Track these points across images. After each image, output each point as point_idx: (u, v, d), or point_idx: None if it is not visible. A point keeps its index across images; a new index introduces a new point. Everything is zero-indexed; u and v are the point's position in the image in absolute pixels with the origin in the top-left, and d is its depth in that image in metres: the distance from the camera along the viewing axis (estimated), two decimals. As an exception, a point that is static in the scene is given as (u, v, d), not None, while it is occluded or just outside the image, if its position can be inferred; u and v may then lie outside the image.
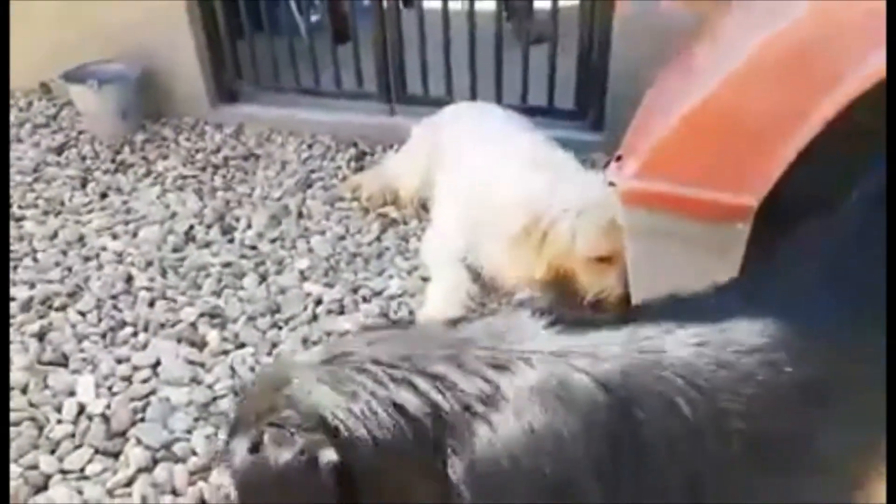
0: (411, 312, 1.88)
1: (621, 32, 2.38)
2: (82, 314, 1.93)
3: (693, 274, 1.36)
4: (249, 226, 2.37)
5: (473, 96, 2.72)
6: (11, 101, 3.33)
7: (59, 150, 2.99)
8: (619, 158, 1.42)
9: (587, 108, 2.65)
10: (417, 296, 1.94)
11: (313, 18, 3.35)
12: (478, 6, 2.68)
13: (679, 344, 0.90)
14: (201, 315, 1.91)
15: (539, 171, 1.78)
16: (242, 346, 1.81)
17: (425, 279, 2.01)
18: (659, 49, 2.23)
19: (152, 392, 1.64)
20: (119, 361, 1.74)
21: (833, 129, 1.14)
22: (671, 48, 2.12)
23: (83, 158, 2.92)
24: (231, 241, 2.29)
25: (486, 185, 1.80)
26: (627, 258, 1.48)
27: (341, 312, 1.92)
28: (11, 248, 2.27)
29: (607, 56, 2.44)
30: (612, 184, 1.35)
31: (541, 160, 1.78)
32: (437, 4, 2.75)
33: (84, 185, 2.70)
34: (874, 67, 1.09)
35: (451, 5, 2.79)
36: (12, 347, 1.80)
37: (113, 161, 2.90)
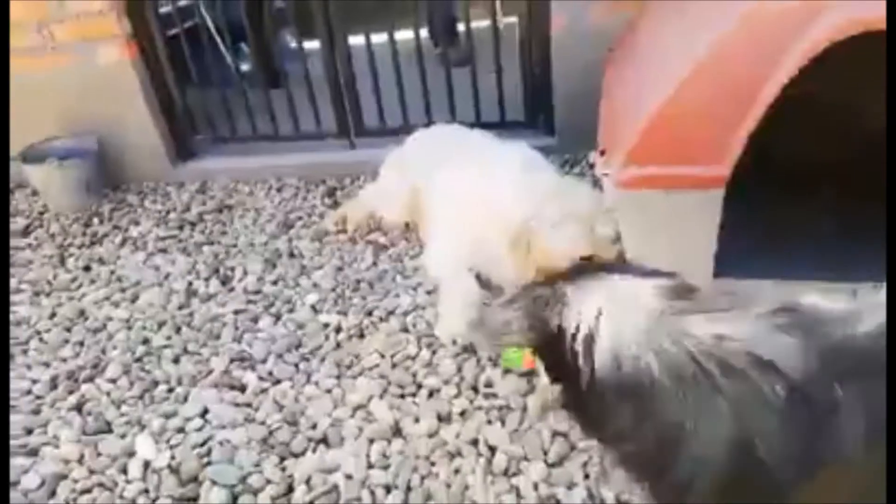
0: (428, 324, 2.03)
1: (559, 43, 2.63)
2: (112, 381, 1.98)
3: (681, 240, 1.61)
4: (246, 273, 2.46)
5: (429, 121, 2.91)
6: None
7: (26, 232, 2.99)
8: (602, 152, 1.65)
9: (536, 117, 2.89)
10: (429, 308, 2.10)
11: (244, 68, 3.49)
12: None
13: None
14: (231, 361, 2.00)
15: (524, 181, 1.96)
16: (279, 381, 1.91)
17: (430, 293, 2.17)
18: (595, 53, 2.51)
19: (210, 438, 1.72)
20: (167, 417, 1.81)
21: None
22: (604, 51, 2.40)
23: (53, 236, 2.93)
24: (232, 290, 2.38)
25: (480, 195, 1.97)
26: (623, 239, 1.70)
27: (361, 336, 2.05)
28: (12, 334, 2.28)
29: (549, 67, 2.69)
30: (605, 174, 1.56)
31: (526, 168, 1.97)
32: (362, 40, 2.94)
33: (63, 262, 2.71)
34: (800, 52, 1.36)
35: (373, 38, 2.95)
36: (54, 425, 1.84)
37: (84, 234, 2.92)
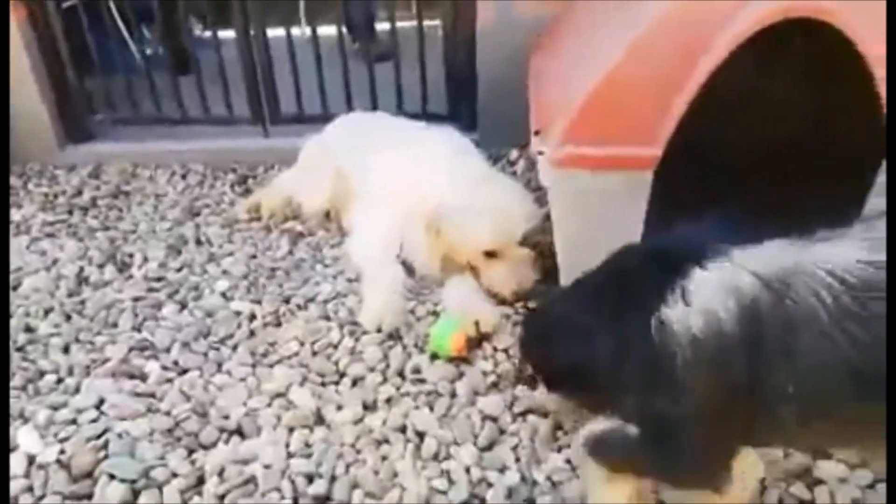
0: (351, 312, 1.94)
1: (483, 38, 2.63)
2: (-12, 372, 1.75)
3: (612, 221, 1.62)
4: (146, 259, 2.26)
5: (350, 109, 2.82)
6: None
7: None
8: (537, 133, 1.64)
9: (458, 110, 2.88)
10: (350, 296, 2.01)
11: (148, 52, 3.29)
12: (319, 30, 2.86)
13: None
14: (130, 350, 1.82)
15: (454, 165, 1.94)
16: (185, 371, 1.76)
17: (352, 281, 2.08)
18: (519, 48, 2.53)
19: (107, 430, 1.54)
20: (55, 408, 1.61)
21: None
22: (527, 46, 2.42)
23: (-85, 219, 2.58)
24: (130, 277, 2.18)
25: (410, 177, 1.92)
26: (553, 220, 1.70)
27: (278, 324, 1.93)
28: None
29: (473, 61, 2.68)
30: (540, 153, 1.55)
31: (456, 152, 1.95)
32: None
33: (-72, 246, 2.40)
34: (729, 38, 1.41)
35: (294, 31, 2.93)
36: (-87, 420, 1.59)
37: (-46, 217, 2.60)
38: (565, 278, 1.83)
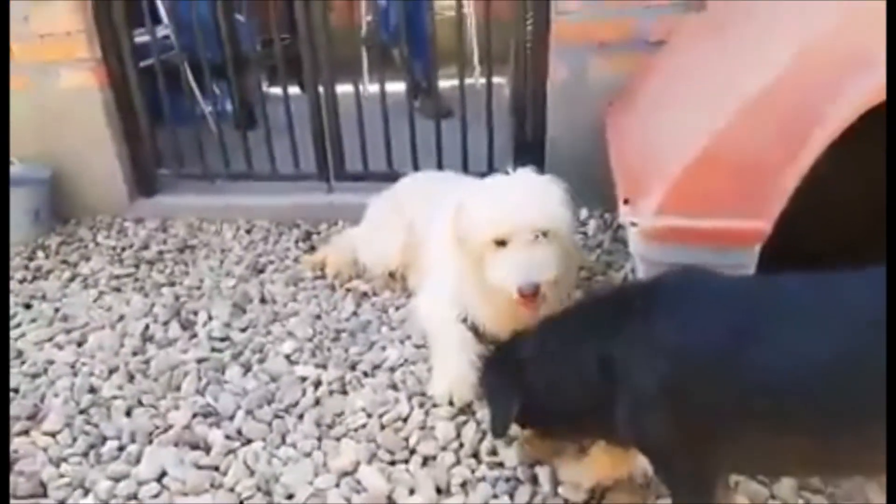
0: (419, 381, 1.84)
1: (554, 97, 2.58)
2: (51, 435, 1.70)
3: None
4: (210, 318, 2.23)
5: (416, 168, 2.79)
6: None
7: (-41, 264, 2.68)
8: (626, 201, 1.54)
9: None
10: (419, 363, 1.91)
11: (218, 107, 3.38)
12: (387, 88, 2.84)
13: None
14: (194, 416, 1.75)
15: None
16: (249, 441, 1.68)
17: (420, 347, 1.99)
18: (589, 108, 2.47)
19: (167, 506, 1.47)
20: (116, 479, 1.55)
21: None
22: (600, 106, 2.35)
23: (-10, 269, 2.63)
24: (194, 335, 2.14)
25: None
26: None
27: (344, 391, 1.85)
28: (-68, 376, 1.97)
29: (543, 120, 2.62)
30: (633, 224, 1.45)
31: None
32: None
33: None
34: (851, 104, 1.30)
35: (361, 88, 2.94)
36: (-25, 486, 1.55)
37: (27, 268, 2.64)
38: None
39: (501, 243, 1.62)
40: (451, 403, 1.73)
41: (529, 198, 1.67)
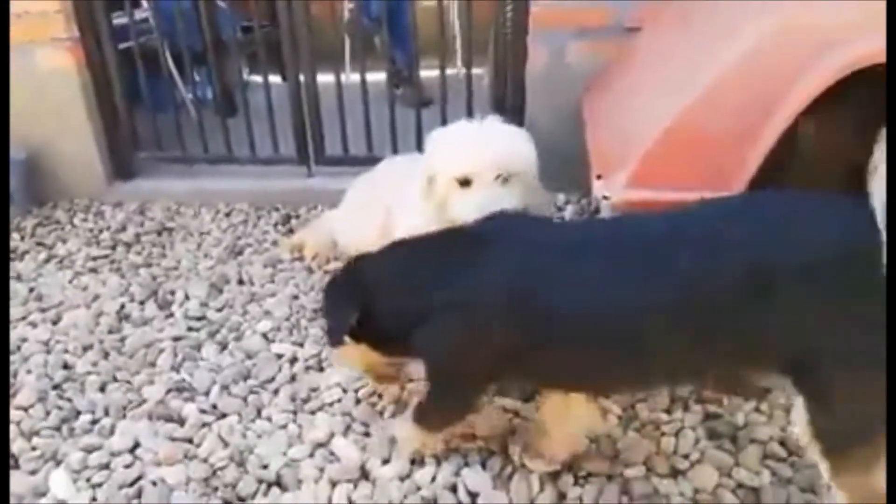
0: (395, 357, 1.86)
1: (533, 84, 2.60)
2: (24, 409, 1.70)
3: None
4: (187, 297, 2.22)
5: (395, 152, 2.80)
6: None
7: (-69, 245, 2.65)
8: (599, 177, 1.56)
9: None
10: (395, 341, 1.93)
11: (199, 94, 3.35)
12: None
13: None
14: (168, 391, 1.75)
15: None
16: (224, 415, 1.68)
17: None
18: (568, 94, 2.49)
19: (140, 476, 1.47)
20: (88, 451, 1.54)
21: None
22: (577, 92, 2.38)
23: (-37, 250, 2.60)
24: (171, 315, 2.13)
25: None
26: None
27: (320, 368, 1.85)
28: None
29: (523, 106, 2.65)
30: (605, 197, 1.48)
31: None
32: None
33: (-27, 278, 2.40)
34: (813, 83, 1.33)
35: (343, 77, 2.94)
36: (-55, 457, 1.54)
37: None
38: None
39: (466, 183, 1.61)
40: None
41: (495, 140, 1.65)
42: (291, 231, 2.67)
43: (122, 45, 2.93)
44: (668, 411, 1.63)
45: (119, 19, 2.93)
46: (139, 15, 3.05)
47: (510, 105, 2.70)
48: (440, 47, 2.77)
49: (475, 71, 2.84)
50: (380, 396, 1.72)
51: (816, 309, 1.01)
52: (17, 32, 2.74)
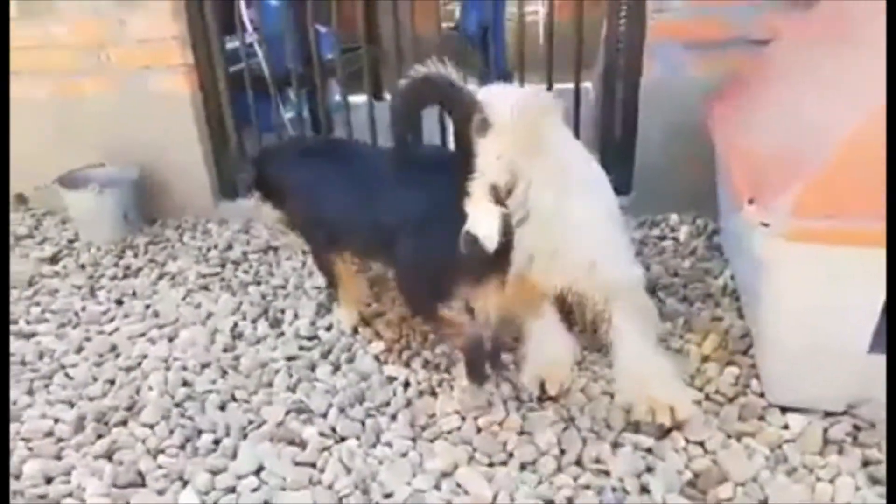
0: (515, 387, 1.78)
1: (647, 98, 2.50)
2: (149, 426, 1.72)
3: (841, 298, 1.39)
4: (297, 316, 2.23)
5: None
6: (-12, 215, 3.09)
7: (54, 260, 2.77)
8: (750, 201, 1.44)
9: (609, 172, 2.72)
10: (511, 368, 1.85)
11: (292, 114, 3.42)
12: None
13: None
14: (287, 412, 1.74)
15: None
16: (343, 439, 1.65)
17: (511, 349, 1.93)
18: (684, 109, 2.37)
19: (267, 501, 1.45)
20: (214, 472, 1.54)
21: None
22: (694, 107, 2.25)
23: (83, 267, 2.71)
24: (282, 334, 2.14)
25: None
26: (763, 293, 1.50)
27: (433, 393, 1.80)
28: (34, 366, 2.03)
29: (635, 121, 2.54)
30: (765, 224, 1.35)
31: None
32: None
33: (93, 294, 2.48)
34: None
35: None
36: (79, 473, 1.57)
37: (117, 266, 2.70)
38: (770, 354, 1.61)
39: None
40: (542, 390, 1.69)
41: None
42: (394, 250, 2.64)
43: (233, 69, 3.01)
44: (821, 454, 1.49)
45: (231, 43, 3.01)
46: (246, 39, 3.12)
47: (620, 120, 2.60)
48: (546, 61, 2.70)
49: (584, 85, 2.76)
50: (500, 426, 1.65)
51: None
52: (137, 56, 2.86)
